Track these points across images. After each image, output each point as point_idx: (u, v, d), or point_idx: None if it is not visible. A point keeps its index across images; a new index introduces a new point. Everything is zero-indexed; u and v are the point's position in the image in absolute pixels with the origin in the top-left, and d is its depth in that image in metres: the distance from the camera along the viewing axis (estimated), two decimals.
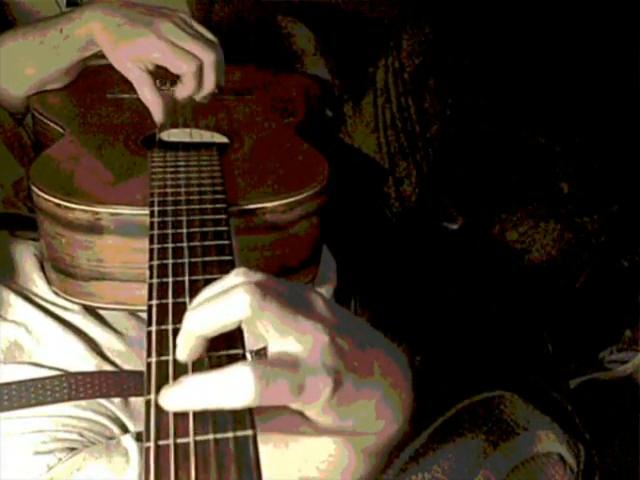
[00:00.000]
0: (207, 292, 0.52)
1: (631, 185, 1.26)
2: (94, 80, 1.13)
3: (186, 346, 0.50)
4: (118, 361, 0.90)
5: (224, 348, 0.51)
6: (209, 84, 0.98)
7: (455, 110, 1.30)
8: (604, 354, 1.41)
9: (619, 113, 1.29)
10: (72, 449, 0.82)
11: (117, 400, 0.87)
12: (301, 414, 0.52)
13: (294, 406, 0.50)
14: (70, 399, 0.85)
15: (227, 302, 0.49)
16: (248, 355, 0.93)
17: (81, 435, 0.84)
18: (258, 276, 0.52)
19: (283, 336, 0.50)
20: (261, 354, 0.94)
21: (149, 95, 0.98)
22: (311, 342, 0.50)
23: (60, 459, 0.80)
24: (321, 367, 0.49)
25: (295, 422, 0.53)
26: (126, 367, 0.90)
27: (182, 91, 0.99)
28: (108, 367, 0.89)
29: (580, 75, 1.29)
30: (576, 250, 1.24)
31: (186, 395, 0.46)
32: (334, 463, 0.61)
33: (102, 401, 0.86)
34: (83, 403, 0.85)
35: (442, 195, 1.34)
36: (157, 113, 0.98)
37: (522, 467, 0.94)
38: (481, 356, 1.22)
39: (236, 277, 0.52)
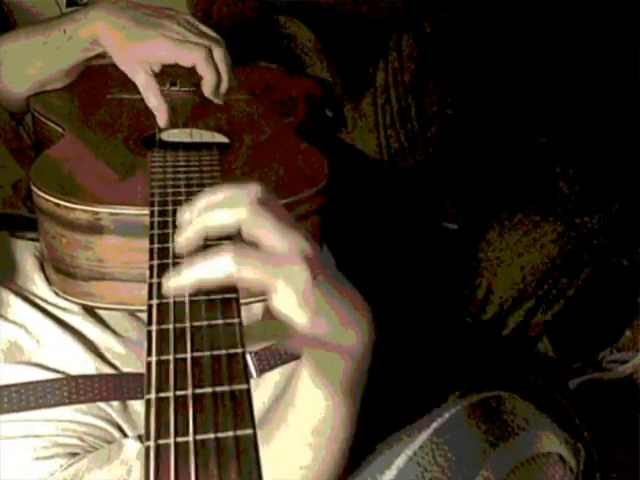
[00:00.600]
0: (216, 196, 0.63)
1: (631, 185, 1.26)
2: (94, 80, 1.12)
3: (191, 236, 0.61)
4: (118, 363, 0.90)
5: (225, 347, 0.51)
6: (225, 75, 0.98)
7: (455, 110, 1.30)
8: (604, 354, 1.41)
9: (619, 113, 1.29)
10: (73, 454, 0.82)
11: (116, 404, 0.87)
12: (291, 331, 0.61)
13: (278, 290, 0.59)
14: (70, 402, 0.84)
15: (232, 203, 0.61)
16: (248, 356, 0.94)
17: (81, 440, 0.84)
18: (260, 192, 0.62)
19: (272, 235, 0.60)
20: (260, 354, 0.94)
21: (154, 100, 0.97)
22: (292, 239, 0.60)
23: (61, 465, 0.80)
24: (300, 255, 0.60)
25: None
26: (126, 369, 0.90)
27: (206, 87, 0.98)
28: (108, 369, 0.89)
29: (580, 75, 1.29)
30: (576, 250, 1.24)
31: (181, 277, 0.57)
32: (322, 424, 0.72)
33: (102, 405, 0.86)
34: (83, 407, 0.85)
35: (442, 195, 1.34)
36: (162, 119, 0.98)
37: (522, 467, 0.94)
38: (481, 356, 1.22)
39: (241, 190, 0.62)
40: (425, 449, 0.91)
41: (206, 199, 0.63)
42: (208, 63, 0.96)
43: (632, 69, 1.25)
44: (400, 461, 0.91)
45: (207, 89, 0.99)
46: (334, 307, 0.63)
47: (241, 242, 0.61)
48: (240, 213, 0.60)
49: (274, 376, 0.94)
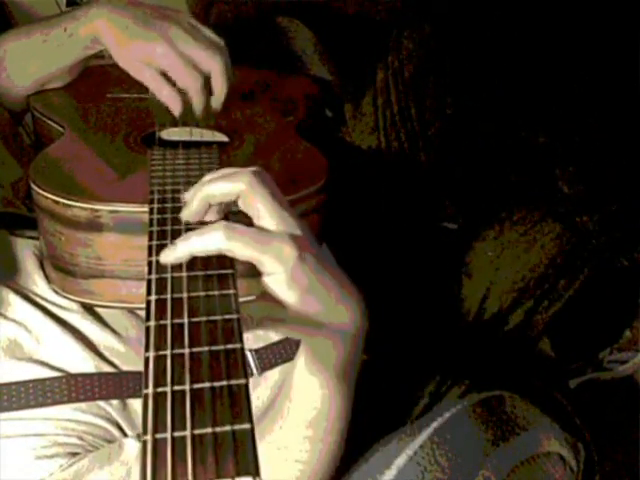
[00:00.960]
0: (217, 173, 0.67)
1: (631, 185, 1.26)
2: (94, 79, 1.12)
3: (194, 206, 0.66)
4: (117, 362, 0.90)
5: (223, 343, 0.51)
6: (219, 91, 0.98)
7: (455, 110, 1.30)
8: (604, 354, 1.41)
9: (619, 113, 1.29)
10: (73, 454, 0.82)
11: (115, 403, 0.87)
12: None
13: (266, 267, 0.61)
14: (70, 401, 0.84)
15: (233, 179, 0.65)
16: (249, 354, 0.94)
17: (81, 439, 0.83)
18: (260, 172, 0.66)
19: (265, 209, 0.64)
20: (261, 353, 0.94)
21: (166, 91, 0.97)
22: (283, 218, 0.64)
23: (61, 465, 0.80)
24: (289, 234, 0.63)
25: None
26: (125, 368, 0.90)
27: (196, 105, 0.98)
28: (107, 368, 0.89)
29: (580, 75, 1.29)
30: (576, 250, 1.24)
31: (177, 249, 0.61)
32: (318, 416, 0.74)
33: (101, 404, 0.86)
34: (83, 406, 0.85)
35: (442, 195, 1.34)
36: (176, 108, 0.97)
37: (522, 467, 0.94)
38: (481, 356, 1.22)
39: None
40: (425, 449, 0.91)
41: (209, 176, 0.67)
42: (201, 93, 0.96)
43: (632, 69, 1.25)
44: (400, 461, 0.90)
45: (196, 108, 0.98)
46: (324, 283, 0.65)
47: (235, 221, 0.64)
48: (239, 186, 0.64)
49: (274, 375, 0.94)
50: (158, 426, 0.44)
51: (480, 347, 1.22)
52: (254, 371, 0.93)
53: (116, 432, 0.86)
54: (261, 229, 0.64)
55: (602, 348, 1.41)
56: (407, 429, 0.96)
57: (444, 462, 0.90)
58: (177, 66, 0.95)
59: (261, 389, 0.92)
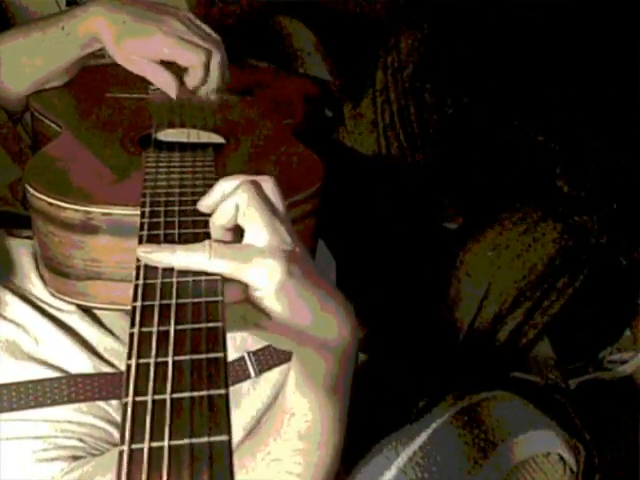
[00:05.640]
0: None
1: (630, 184, 1.25)
2: (93, 79, 1.12)
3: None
4: (116, 362, 0.90)
5: (205, 352, 0.51)
6: (214, 79, 0.99)
7: (454, 110, 1.29)
8: (604, 354, 1.41)
9: (618, 113, 1.28)
10: (74, 457, 0.82)
11: (115, 403, 0.87)
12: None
13: (252, 283, 0.60)
14: (69, 401, 0.84)
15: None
16: (246, 355, 0.94)
17: (82, 441, 0.83)
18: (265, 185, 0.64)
19: (257, 224, 0.61)
20: (259, 354, 0.94)
21: (163, 77, 0.97)
22: (274, 234, 0.61)
23: (62, 469, 0.80)
24: (278, 249, 0.60)
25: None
26: (123, 368, 0.90)
27: (191, 81, 0.99)
28: (106, 368, 0.88)
29: (579, 74, 1.29)
30: (576, 250, 1.23)
31: (159, 255, 0.60)
32: (311, 429, 0.72)
33: (101, 404, 0.86)
34: (83, 407, 0.85)
35: (442, 195, 1.34)
36: (172, 90, 0.98)
37: (522, 467, 0.94)
38: (481, 356, 1.21)
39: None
40: (424, 450, 0.91)
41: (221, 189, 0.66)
42: (204, 68, 0.97)
43: (631, 68, 1.24)
44: (400, 462, 0.91)
45: (190, 84, 1.00)
46: (313, 297, 0.63)
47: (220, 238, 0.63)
48: (239, 199, 0.62)
49: (274, 375, 0.94)
50: (135, 436, 0.44)
51: (479, 347, 1.22)
52: (251, 373, 0.93)
53: (116, 433, 0.86)
54: (247, 246, 0.62)
55: (602, 348, 1.41)
56: (406, 430, 0.96)
57: (444, 462, 0.90)
58: (177, 47, 0.96)
59: (261, 389, 0.92)
